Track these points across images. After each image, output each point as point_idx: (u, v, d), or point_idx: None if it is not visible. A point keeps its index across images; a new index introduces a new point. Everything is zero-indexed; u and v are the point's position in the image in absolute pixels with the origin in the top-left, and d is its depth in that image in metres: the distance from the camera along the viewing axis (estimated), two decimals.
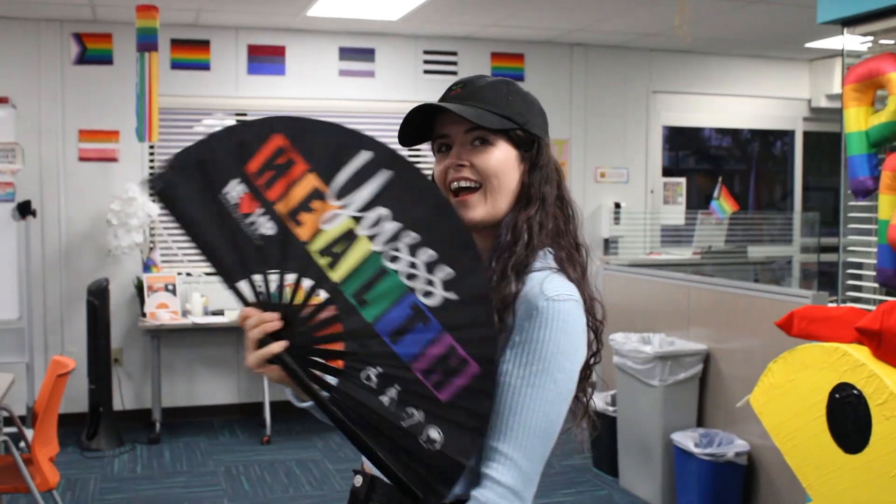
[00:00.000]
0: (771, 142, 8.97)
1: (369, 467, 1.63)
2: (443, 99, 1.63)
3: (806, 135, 8.55)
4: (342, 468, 5.65)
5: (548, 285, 1.49)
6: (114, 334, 6.41)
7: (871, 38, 3.93)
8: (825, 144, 8.58)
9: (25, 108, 6.34)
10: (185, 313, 6.45)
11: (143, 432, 6.36)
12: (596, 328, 1.58)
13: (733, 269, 7.67)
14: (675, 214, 8.04)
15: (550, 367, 1.45)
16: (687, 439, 4.59)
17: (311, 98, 6.96)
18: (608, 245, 7.66)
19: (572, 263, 1.59)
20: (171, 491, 5.25)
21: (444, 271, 1.41)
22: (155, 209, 6.35)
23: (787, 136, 8.63)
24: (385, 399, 1.43)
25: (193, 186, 1.53)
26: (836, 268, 4.14)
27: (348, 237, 1.43)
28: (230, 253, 1.49)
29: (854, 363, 2.85)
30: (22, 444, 4.29)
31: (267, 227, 1.46)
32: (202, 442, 6.25)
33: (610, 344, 5.14)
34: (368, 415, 1.45)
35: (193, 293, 6.48)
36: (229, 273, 1.50)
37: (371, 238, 1.43)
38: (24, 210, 5.94)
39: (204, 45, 6.77)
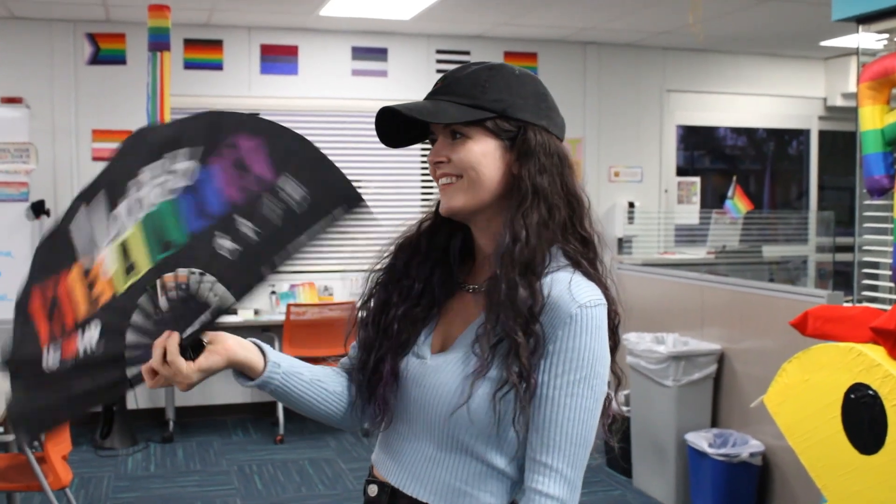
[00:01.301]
0: (786, 141, 8.92)
1: (383, 475, 1.61)
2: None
3: (821, 134, 8.50)
4: (355, 468, 5.64)
5: (576, 290, 1.43)
6: None
7: (886, 35, 3.89)
8: (841, 143, 8.53)
9: (39, 108, 6.37)
10: None
11: (157, 431, 6.37)
12: (614, 323, 1.55)
13: (748, 269, 7.64)
14: (690, 214, 8.01)
15: (588, 374, 1.42)
16: (701, 439, 4.57)
17: (323, 97, 6.96)
18: (622, 244, 7.63)
19: (586, 258, 1.52)
20: (184, 490, 5.25)
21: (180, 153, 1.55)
22: None
23: (802, 135, 8.58)
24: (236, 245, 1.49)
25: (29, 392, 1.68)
26: (851, 267, 4.10)
27: (123, 248, 1.54)
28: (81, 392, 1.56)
29: (869, 363, 2.82)
30: (35, 442, 4.30)
31: (93, 332, 1.53)
32: (215, 441, 6.26)
33: (623, 344, 5.12)
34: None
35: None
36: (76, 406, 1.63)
37: (131, 224, 1.55)
38: (38, 209, 5.96)
39: (217, 44, 6.78)
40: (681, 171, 8.08)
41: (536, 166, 1.50)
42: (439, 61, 7.18)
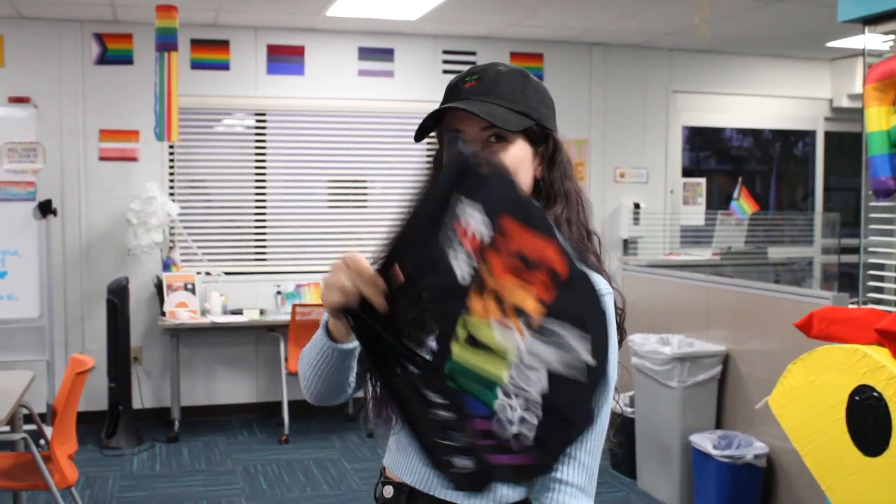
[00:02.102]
0: (792, 142, 8.91)
1: (398, 475, 1.62)
2: (456, 87, 1.62)
3: (827, 135, 8.49)
4: (360, 468, 5.65)
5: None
6: (133, 333, 6.45)
7: (892, 36, 3.89)
8: (847, 144, 8.52)
9: (46, 107, 6.39)
10: (204, 312, 6.47)
11: (162, 431, 6.39)
12: (620, 318, 1.60)
13: (753, 270, 7.63)
14: (695, 215, 8.00)
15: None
16: (705, 441, 4.57)
17: (330, 98, 6.97)
18: (627, 245, 7.63)
19: (593, 252, 1.61)
20: (189, 489, 5.27)
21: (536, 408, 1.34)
22: (175, 208, 6.38)
23: (808, 136, 8.57)
24: (437, 415, 1.37)
25: (457, 180, 1.37)
26: (856, 269, 4.10)
27: (495, 352, 1.34)
28: (414, 240, 1.36)
29: (874, 365, 2.82)
30: (41, 441, 4.32)
31: (460, 263, 1.35)
32: (220, 441, 6.27)
33: (628, 345, 5.12)
34: (413, 412, 1.39)
35: (213, 292, 6.50)
36: (397, 249, 1.37)
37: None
38: (45, 209, 5.97)
39: (223, 45, 6.79)
40: (686, 172, 8.07)
41: (560, 171, 1.61)
42: (446, 62, 7.18)
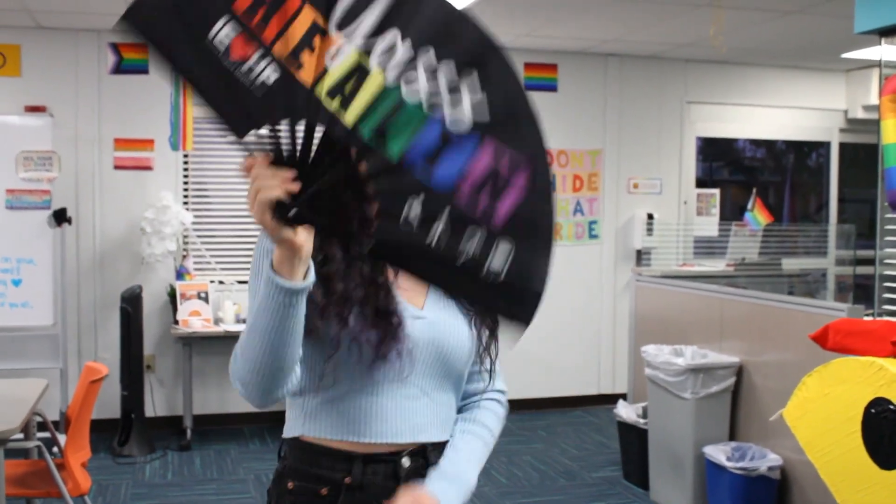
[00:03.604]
0: (806, 153, 8.88)
1: (403, 440, 1.67)
2: None
3: (842, 146, 8.46)
4: None
5: None
6: (146, 341, 6.46)
7: None
8: (862, 156, 8.49)
9: (62, 116, 6.42)
10: (217, 321, 6.48)
11: (175, 439, 6.40)
12: None
13: (767, 282, 7.60)
14: (709, 226, 7.98)
15: None
16: (719, 453, 4.55)
17: None
18: (641, 256, 7.62)
19: None
20: (201, 498, 5.27)
21: (471, 76, 1.32)
22: (189, 217, 6.39)
23: (822, 147, 8.55)
24: (432, 239, 1.34)
25: (174, 27, 1.31)
26: (872, 281, 4.08)
27: (358, 73, 1.30)
28: (230, 104, 1.31)
29: (890, 378, 2.80)
30: (55, 448, 4.33)
31: (266, 73, 1.29)
32: (233, 449, 6.27)
33: (642, 355, 5.10)
34: (417, 260, 1.36)
35: (225, 301, 6.52)
36: (236, 126, 1.31)
37: (383, 69, 1.30)
38: (60, 217, 6.00)
39: None
40: (700, 183, 8.06)
41: None
42: None
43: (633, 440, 5.38)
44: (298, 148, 1.32)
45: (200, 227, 6.81)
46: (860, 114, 8.20)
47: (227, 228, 6.94)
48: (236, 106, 1.31)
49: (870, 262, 4.71)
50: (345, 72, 1.30)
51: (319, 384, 1.65)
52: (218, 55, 1.29)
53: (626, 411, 5.43)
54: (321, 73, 1.30)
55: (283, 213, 1.31)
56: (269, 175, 1.31)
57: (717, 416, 4.82)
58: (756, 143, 8.69)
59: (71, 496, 3.94)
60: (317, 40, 1.29)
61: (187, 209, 6.64)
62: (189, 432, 6.36)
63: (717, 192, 8.06)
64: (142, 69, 6.61)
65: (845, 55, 7.42)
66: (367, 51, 1.30)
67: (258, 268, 1.55)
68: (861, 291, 7.81)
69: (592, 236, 7.58)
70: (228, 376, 6.28)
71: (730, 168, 8.82)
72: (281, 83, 1.29)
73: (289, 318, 1.46)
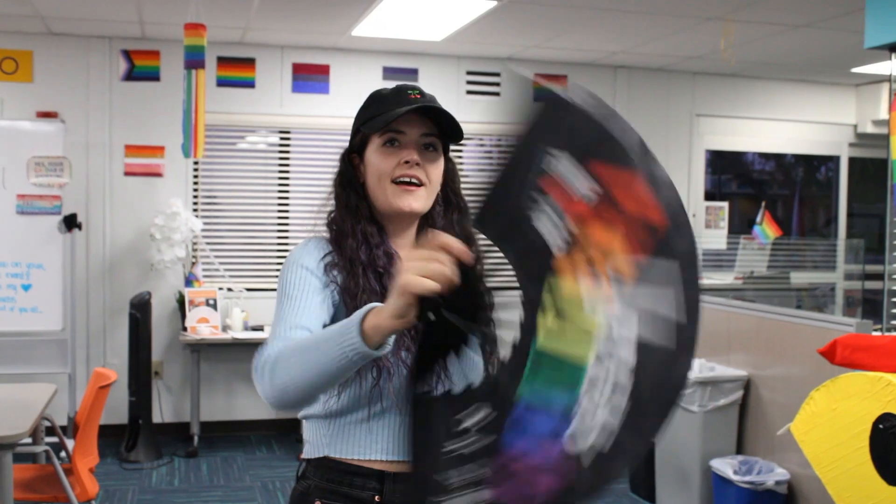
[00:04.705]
0: (815, 167, 8.88)
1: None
2: (401, 95, 1.84)
3: (851, 160, 8.45)
4: None
5: None
6: (155, 347, 6.48)
7: None
8: (871, 170, 8.48)
9: (74, 122, 6.45)
10: (225, 328, 6.49)
11: (182, 445, 6.41)
12: None
13: (775, 295, 7.59)
14: (717, 239, 7.97)
15: None
16: (726, 466, 4.54)
17: (354, 117, 6.99)
18: None
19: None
20: None
21: (621, 408, 1.25)
22: (198, 224, 6.42)
23: (831, 161, 8.54)
24: (452, 449, 1.37)
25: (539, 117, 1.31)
26: (881, 296, 4.08)
27: (583, 311, 1.23)
28: (502, 207, 1.30)
29: None
30: (63, 454, 4.35)
31: (546, 222, 1.26)
32: (239, 457, 6.28)
33: None
34: (426, 440, 1.39)
35: (234, 308, 6.53)
36: (485, 220, 1.32)
37: (596, 340, 1.22)
38: (70, 223, 6.02)
39: (250, 62, 6.85)
40: (709, 196, 8.06)
41: (458, 181, 1.85)
42: (469, 82, 7.21)
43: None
44: (479, 274, 1.39)
45: (210, 234, 6.83)
46: (870, 128, 8.19)
47: (237, 236, 6.96)
48: (504, 217, 1.32)
49: (879, 276, 4.69)
50: (579, 299, 1.24)
51: (353, 405, 1.67)
52: (533, 166, 1.30)
53: None
54: (573, 273, 1.24)
55: (429, 302, 1.33)
56: (448, 269, 1.33)
57: (725, 429, 4.81)
58: (765, 156, 8.69)
59: (78, 501, 3.95)
60: (599, 260, 1.22)
61: (197, 216, 6.66)
62: (196, 439, 6.37)
63: (725, 205, 8.06)
64: (153, 76, 6.64)
65: (855, 70, 7.42)
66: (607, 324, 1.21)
67: (300, 286, 1.68)
68: (869, 306, 7.79)
69: None
70: (236, 382, 6.24)
71: (738, 181, 8.81)
72: (542, 240, 1.27)
73: (351, 370, 1.48)
